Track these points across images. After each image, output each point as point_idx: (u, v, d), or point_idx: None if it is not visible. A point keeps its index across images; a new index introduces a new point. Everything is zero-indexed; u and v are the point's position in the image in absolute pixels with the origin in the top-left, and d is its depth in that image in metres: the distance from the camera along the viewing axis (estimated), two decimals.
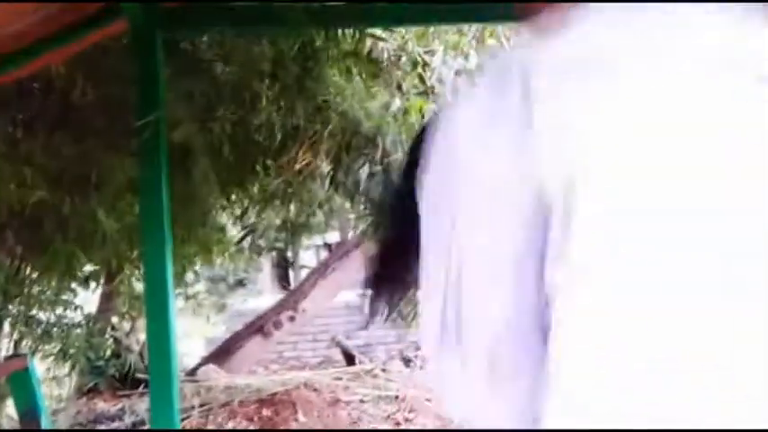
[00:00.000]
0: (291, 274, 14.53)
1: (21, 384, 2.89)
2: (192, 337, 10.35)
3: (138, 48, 2.98)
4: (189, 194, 3.99)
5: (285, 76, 3.51)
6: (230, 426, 5.61)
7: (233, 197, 4.99)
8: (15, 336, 4.57)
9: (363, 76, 3.56)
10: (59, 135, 3.55)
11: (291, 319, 8.27)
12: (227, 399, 6.20)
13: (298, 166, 3.58)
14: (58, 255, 4.00)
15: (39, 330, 5.50)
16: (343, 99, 3.58)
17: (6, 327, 4.57)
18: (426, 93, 3.97)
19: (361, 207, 4.43)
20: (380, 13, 3.09)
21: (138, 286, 5.87)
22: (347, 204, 4.69)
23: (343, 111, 3.51)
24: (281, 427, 5.58)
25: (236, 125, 3.68)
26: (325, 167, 3.83)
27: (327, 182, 3.90)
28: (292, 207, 4.39)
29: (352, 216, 5.81)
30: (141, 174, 2.97)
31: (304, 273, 12.23)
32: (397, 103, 3.73)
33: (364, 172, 3.72)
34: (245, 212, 4.47)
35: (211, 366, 7.55)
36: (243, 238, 6.75)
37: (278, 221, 5.20)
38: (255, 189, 4.24)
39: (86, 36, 3.00)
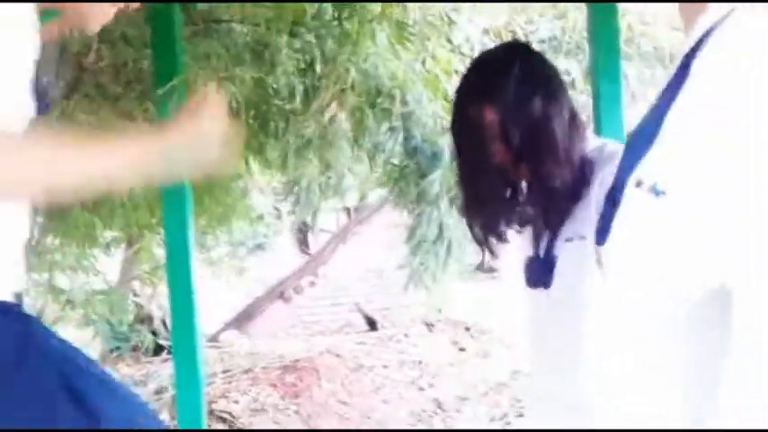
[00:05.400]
0: (311, 237, 14.52)
1: None
2: (211, 302, 10.37)
3: (155, 10, 2.87)
4: None
5: (305, 36, 3.38)
6: (253, 392, 5.60)
7: (252, 161, 4.90)
8: (38, 305, 4.54)
9: (389, 36, 3.43)
10: (74, 102, 3.47)
11: (312, 284, 8.26)
12: (249, 365, 6.20)
13: (326, 117, 3.44)
14: (77, 223, 3.95)
15: (62, 298, 5.50)
16: (366, 59, 3.45)
17: (27, 297, 4.54)
18: (453, 51, 3.84)
19: (381, 170, 4.33)
20: None
21: (159, 252, 5.84)
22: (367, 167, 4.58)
23: (365, 70, 3.38)
24: (305, 393, 5.57)
25: (256, 87, 3.56)
26: (348, 128, 3.72)
27: (351, 142, 3.80)
28: (316, 169, 4.28)
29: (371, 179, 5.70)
30: None
31: (323, 237, 12.21)
32: (421, 61, 3.60)
33: (384, 128, 3.62)
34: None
35: (233, 332, 7.56)
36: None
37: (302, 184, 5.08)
38: (276, 154, 4.14)
39: None
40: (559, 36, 4.72)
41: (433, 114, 3.69)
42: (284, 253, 13.32)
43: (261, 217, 8.39)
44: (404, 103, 3.53)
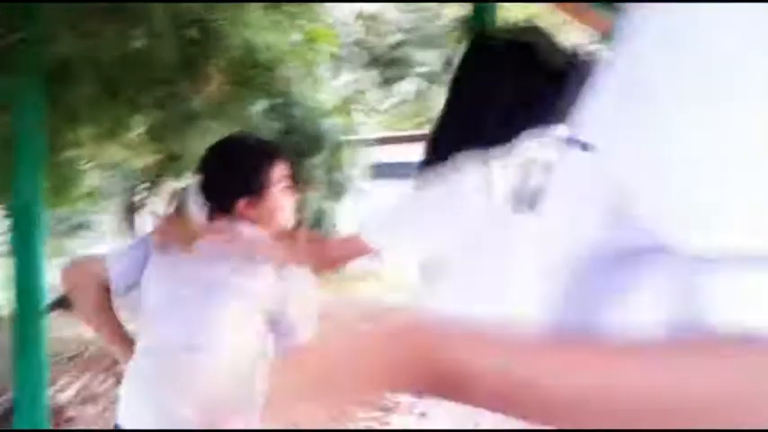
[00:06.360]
0: (137, 219, 13.80)
1: None
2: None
3: None
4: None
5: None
6: (87, 377, 5.24)
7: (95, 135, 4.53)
8: None
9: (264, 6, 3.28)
10: None
11: None
12: (77, 350, 5.81)
13: (198, 91, 3.24)
14: None
15: None
16: (237, 27, 3.28)
17: None
18: (327, 32, 3.77)
19: None
20: None
21: None
22: None
23: (239, 41, 3.22)
24: None
25: (115, 52, 3.30)
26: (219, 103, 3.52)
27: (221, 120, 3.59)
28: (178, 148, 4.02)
29: None
30: (16, 95, 2.60)
31: (153, 219, 11.62)
32: (299, 41, 3.50)
33: (261, 105, 3.48)
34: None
35: (59, 313, 7.00)
36: None
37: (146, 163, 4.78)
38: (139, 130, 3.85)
39: None
40: (422, 25, 4.83)
41: (312, 97, 3.60)
42: (110, 234, 12.58)
43: (91, 194, 7.82)
44: (282, 80, 3.41)
